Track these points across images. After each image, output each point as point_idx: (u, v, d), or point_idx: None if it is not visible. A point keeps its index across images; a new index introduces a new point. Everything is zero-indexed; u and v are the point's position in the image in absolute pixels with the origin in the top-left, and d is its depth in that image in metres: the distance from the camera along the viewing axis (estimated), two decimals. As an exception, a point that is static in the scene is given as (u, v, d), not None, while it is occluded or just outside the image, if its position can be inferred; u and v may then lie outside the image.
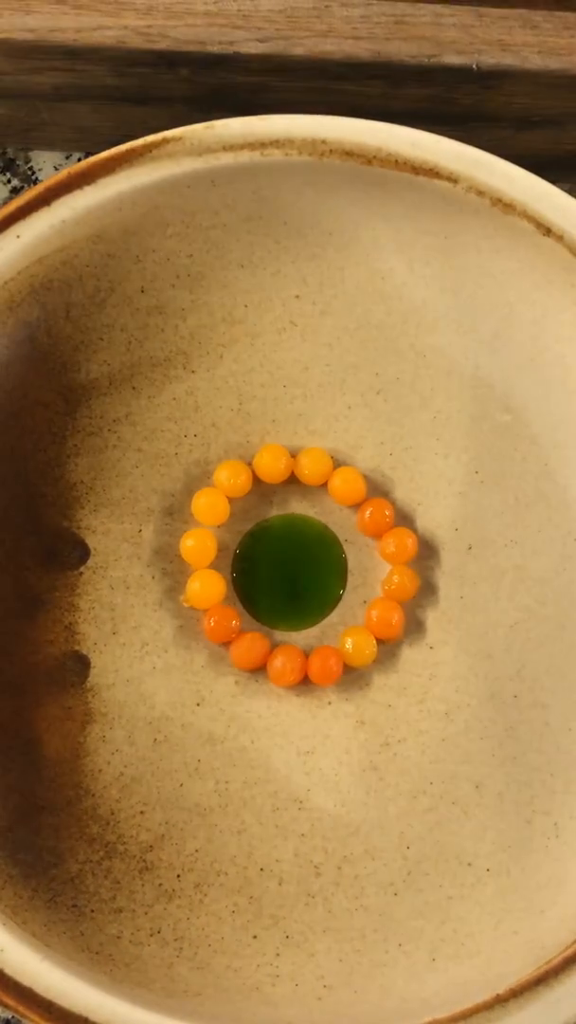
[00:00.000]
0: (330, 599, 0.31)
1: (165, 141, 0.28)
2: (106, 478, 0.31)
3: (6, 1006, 0.24)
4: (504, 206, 0.28)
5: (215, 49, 0.30)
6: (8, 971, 0.24)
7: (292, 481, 0.31)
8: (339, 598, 0.31)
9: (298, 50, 0.30)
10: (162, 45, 0.30)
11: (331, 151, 0.28)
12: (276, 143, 0.28)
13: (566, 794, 0.28)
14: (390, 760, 0.29)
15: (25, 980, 0.24)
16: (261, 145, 0.28)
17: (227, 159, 0.28)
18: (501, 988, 0.24)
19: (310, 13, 0.30)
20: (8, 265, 0.28)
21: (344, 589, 0.31)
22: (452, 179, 0.28)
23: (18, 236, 0.28)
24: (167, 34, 0.30)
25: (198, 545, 0.31)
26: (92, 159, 0.28)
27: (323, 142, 0.28)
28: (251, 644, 0.30)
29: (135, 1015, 0.24)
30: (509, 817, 0.28)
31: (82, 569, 0.30)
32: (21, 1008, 0.24)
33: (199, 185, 0.29)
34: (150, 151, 0.28)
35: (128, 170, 0.28)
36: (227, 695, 0.30)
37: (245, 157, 0.28)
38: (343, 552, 0.31)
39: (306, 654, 0.30)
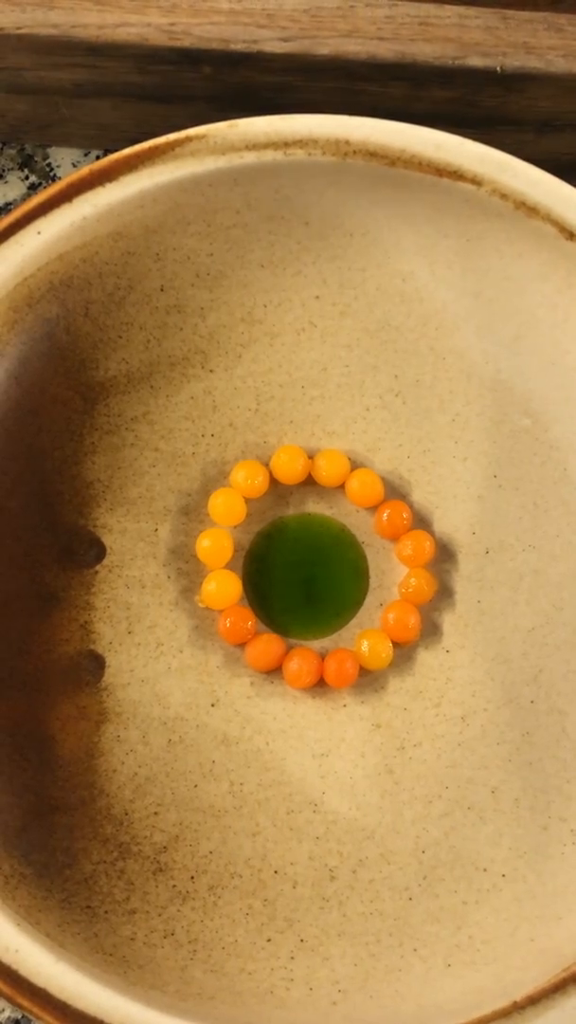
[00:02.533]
0: (349, 605, 0.31)
1: (188, 139, 0.28)
2: (123, 477, 0.30)
3: (20, 1007, 0.24)
4: (528, 209, 0.28)
5: (239, 48, 0.30)
6: (23, 972, 0.24)
7: (309, 482, 0.31)
8: (359, 605, 0.31)
9: (322, 50, 0.30)
10: (185, 43, 0.30)
11: (354, 152, 0.28)
12: (299, 143, 0.28)
13: (583, 800, 0.28)
14: (406, 764, 0.29)
15: (40, 981, 0.24)
16: (284, 145, 0.28)
17: (250, 158, 0.28)
18: (518, 995, 0.24)
19: (335, 13, 0.30)
20: (28, 261, 0.28)
21: (366, 597, 0.31)
22: (476, 182, 0.28)
23: (39, 232, 0.28)
24: (190, 32, 0.30)
25: (214, 545, 0.30)
26: (115, 156, 0.28)
27: (347, 143, 0.28)
28: (267, 645, 0.30)
29: (149, 1017, 0.24)
30: (525, 823, 0.28)
31: (98, 568, 0.30)
32: (36, 1009, 0.23)
33: (221, 184, 0.28)
34: (173, 149, 0.28)
35: (151, 168, 0.28)
36: (242, 696, 0.30)
37: (268, 156, 0.28)
38: (364, 557, 0.31)
39: (322, 656, 0.30)
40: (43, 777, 0.28)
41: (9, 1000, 0.24)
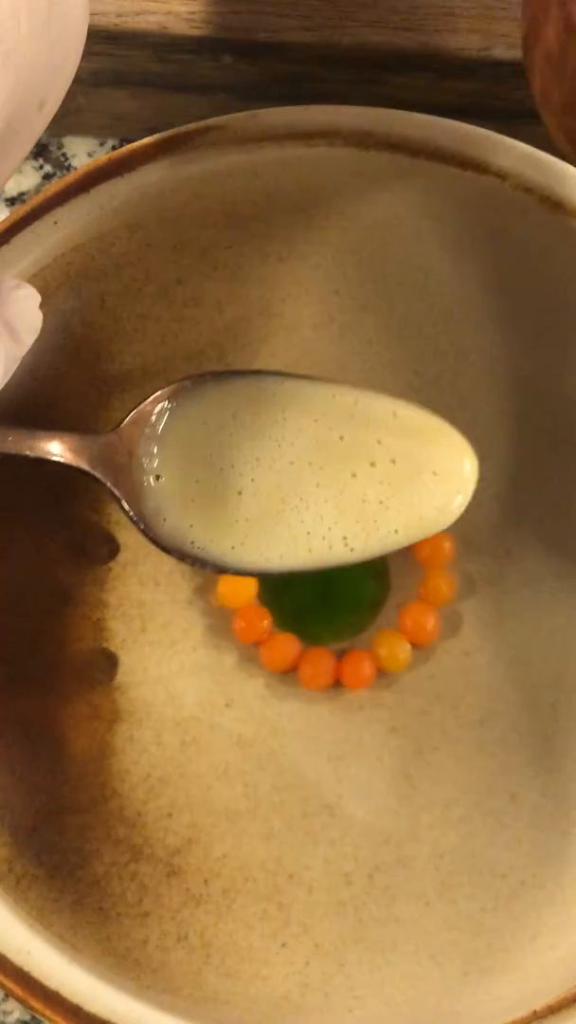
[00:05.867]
0: (368, 607, 0.30)
1: (208, 129, 0.28)
2: (138, 472, 0.30)
3: (32, 1009, 0.23)
4: (553, 204, 0.27)
5: (260, 37, 0.29)
6: (35, 974, 0.23)
7: (326, 480, 0.31)
8: (379, 607, 0.30)
9: (345, 40, 0.29)
10: (206, 31, 0.29)
11: (377, 143, 0.28)
12: (321, 134, 0.28)
13: (604, 807, 0.28)
14: (423, 768, 0.29)
15: (52, 984, 0.23)
16: (306, 136, 0.28)
17: (271, 150, 0.28)
18: (538, 1005, 0.24)
19: (358, 2, 0.29)
20: (44, 252, 0.28)
21: (386, 599, 0.30)
22: (500, 175, 0.27)
23: (55, 222, 0.27)
24: (211, 20, 0.29)
25: (230, 543, 0.30)
26: (133, 146, 0.28)
27: (369, 134, 0.28)
28: (282, 645, 0.30)
29: (162, 1021, 0.24)
30: (545, 829, 0.28)
31: (111, 564, 0.30)
32: (48, 1012, 0.23)
33: (241, 175, 0.28)
34: (193, 139, 0.28)
35: (170, 158, 0.28)
36: (257, 697, 0.30)
37: (289, 148, 0.28)
38: (383, 557, 0.30)
39: (338, 657, 0.30)
40: (55, 777, 0.28)
41: (21, 1002, 0.23)
